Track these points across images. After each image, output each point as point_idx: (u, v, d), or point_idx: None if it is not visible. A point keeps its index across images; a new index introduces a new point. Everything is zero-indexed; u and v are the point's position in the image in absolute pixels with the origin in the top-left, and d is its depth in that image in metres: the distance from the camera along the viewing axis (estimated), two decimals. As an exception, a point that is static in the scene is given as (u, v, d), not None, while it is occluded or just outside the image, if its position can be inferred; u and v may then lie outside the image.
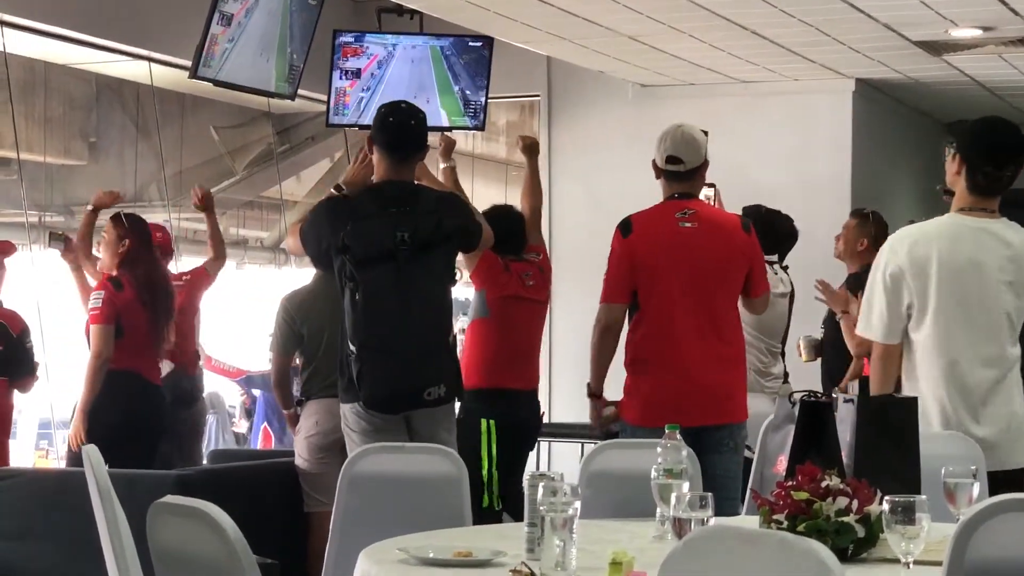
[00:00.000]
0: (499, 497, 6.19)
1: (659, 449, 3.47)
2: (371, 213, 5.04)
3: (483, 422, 6.14)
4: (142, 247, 6.85)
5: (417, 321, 5.02)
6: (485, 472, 6.12)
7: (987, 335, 4.35)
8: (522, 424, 6.32)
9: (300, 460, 6.23)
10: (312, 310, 6.25)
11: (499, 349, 6.28)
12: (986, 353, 4.35)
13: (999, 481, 3.95)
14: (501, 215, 6.39)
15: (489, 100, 8.70)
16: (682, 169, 5.20)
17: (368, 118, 8.44)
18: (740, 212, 6.24)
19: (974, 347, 4.34)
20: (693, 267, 5.20)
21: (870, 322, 4.43)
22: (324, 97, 8.58)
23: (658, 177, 5.28)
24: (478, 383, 6.20)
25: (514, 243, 6.40)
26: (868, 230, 7.25)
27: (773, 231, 6.85)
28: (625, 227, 5.22)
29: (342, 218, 5.05)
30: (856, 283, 7.10)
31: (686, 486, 3.34)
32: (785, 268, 7.04)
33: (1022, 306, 4.38)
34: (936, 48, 7.88)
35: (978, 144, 4.38)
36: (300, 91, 8.40)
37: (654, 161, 5.26)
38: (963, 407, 4.32)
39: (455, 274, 5.26)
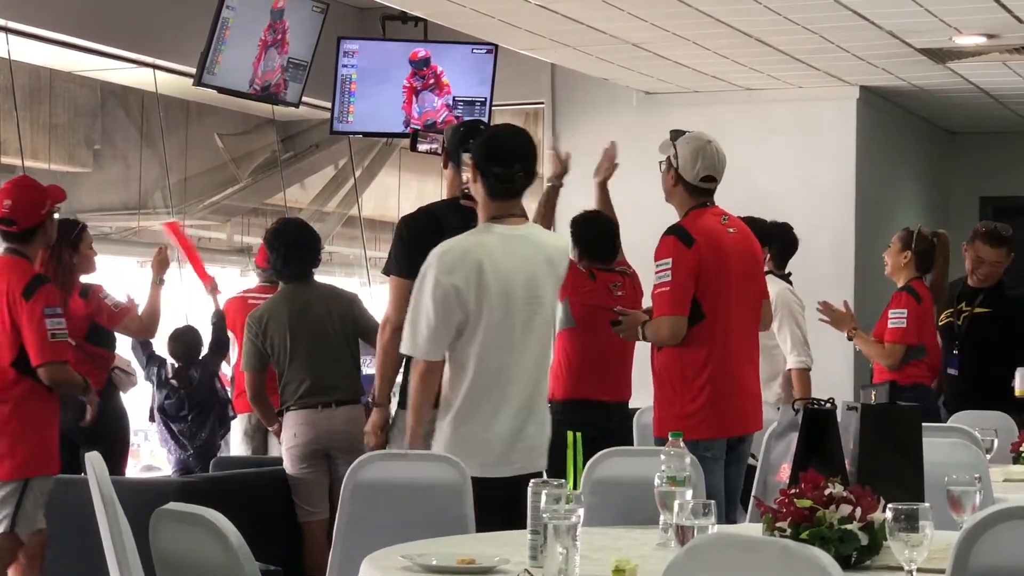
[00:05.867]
0: None
1: (663, 457, 3.47)
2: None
3: (569, 434, 5.88)
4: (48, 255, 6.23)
5: None
6: (571, 484, 5.94)
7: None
8: (611, 436, 5.79)
9: (287, 470, 6.22)
10: (271, 325, 6.20)
11: (585, 360, 6.08)
12: None
13: None
14: (589, 219, 6.24)
15: (493, 107, 8.70)
16: (714, 187, 5.05)
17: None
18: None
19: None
20: (741, 273, 5.07)
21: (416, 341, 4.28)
22: (328, 104, 8.59)
23: (673, 186, 5.05)
24: (565, 394, 6.04)
25: (602, 249, 6.19)
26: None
27: (784, 243, 6.86)
28: (685, 237, 4.95)
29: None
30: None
31: (689, 494, 3.34)
32: (788, 275, 7.03)
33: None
34: (940, 56, 7.89)
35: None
36: (304, 98, 8.40)
37: (675, 172, 5.01)
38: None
39: None
